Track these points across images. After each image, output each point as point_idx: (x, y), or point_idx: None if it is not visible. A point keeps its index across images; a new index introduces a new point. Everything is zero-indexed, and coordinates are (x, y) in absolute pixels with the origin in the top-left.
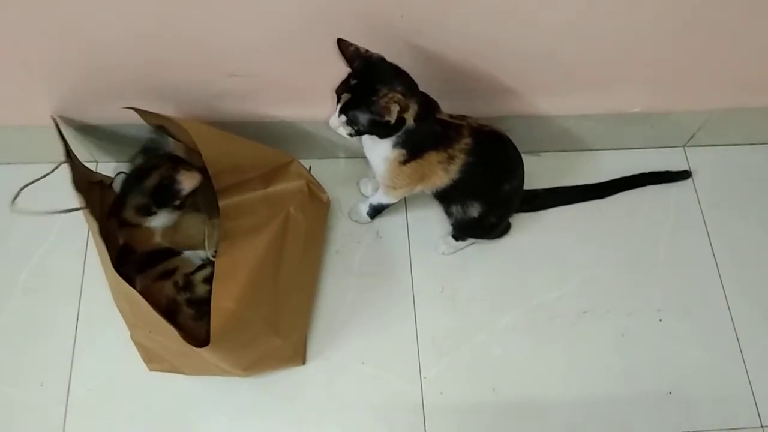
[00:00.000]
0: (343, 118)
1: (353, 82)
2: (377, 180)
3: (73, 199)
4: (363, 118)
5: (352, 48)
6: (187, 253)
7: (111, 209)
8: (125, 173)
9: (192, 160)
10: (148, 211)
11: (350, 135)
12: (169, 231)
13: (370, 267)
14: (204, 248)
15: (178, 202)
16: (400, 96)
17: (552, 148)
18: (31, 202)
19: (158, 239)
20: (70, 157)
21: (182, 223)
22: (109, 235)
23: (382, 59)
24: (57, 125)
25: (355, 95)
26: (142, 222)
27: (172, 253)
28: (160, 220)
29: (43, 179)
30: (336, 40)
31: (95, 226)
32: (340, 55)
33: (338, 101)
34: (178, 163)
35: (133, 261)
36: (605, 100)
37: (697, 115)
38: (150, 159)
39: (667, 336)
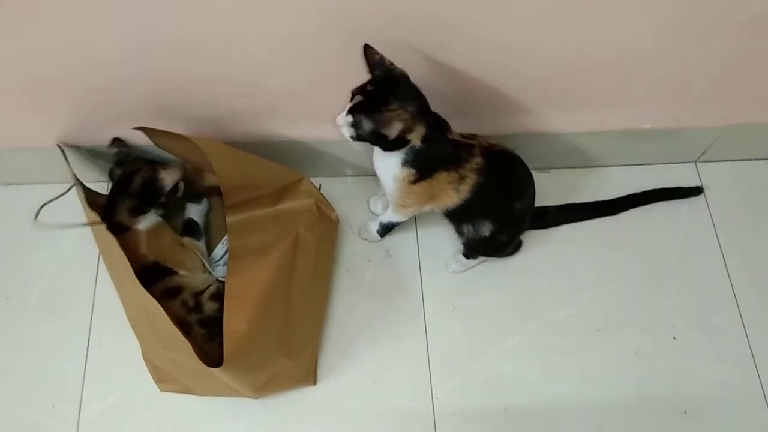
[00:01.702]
0: (350, 118)
1: (369, 87)
2: (387, 198)
3: (83, 219)
4: (366, 124)
5: (377, 56)
6: (184, 272)
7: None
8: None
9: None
10: (139, 211)
11: (351, 137)
12: (152, 240)
13: (380, 285)
14: (192, 270)
15: (163, 199)
16: (407, 116)
17: (562, 164)
18: (43, 221)
19: (144, 249)
20: (78, 178)
21: (163, 234)
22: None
23: (405, 76)
24: (63, 152)
25: (366, 100)
26: (133, 223)
27: (166, 270)
28: (145, 223)
29: (53, 199)
30: (363, 46)
31: (113, 239)
32: (364, 60)
33: (350, 101)
34: (154, 163)
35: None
36: (616, 116)
37: (708, 131)
38: (128, 166)
39: (682, 353)
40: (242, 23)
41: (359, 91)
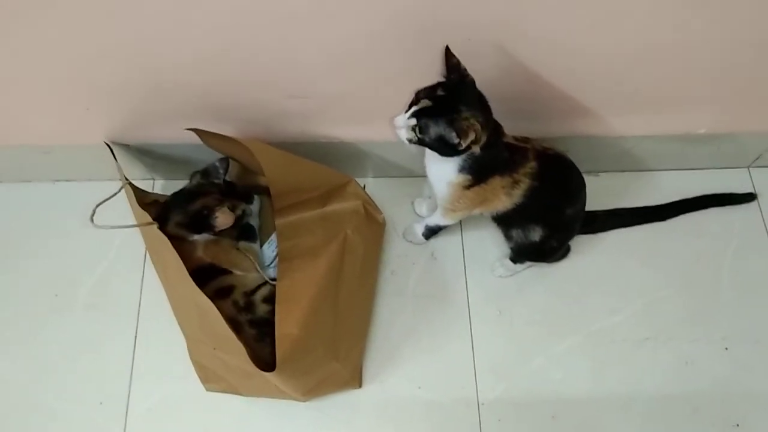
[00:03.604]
0: (413, 121)
1: (440, 92)
2: (434, 201)
3: (131, 217)
4: (434, 130)
5: (455, 60)
6: (238, 272)
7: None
8: (197, 172)
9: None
10: (187, 229)
11: (409, 140)
12: (210, 245)
13: (425, 288)
14: (246, 270)
15: (210, 234)
16: (479, 127)
17: (611, 168)
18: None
19: (200, 253)
20: (127, 178)
21: (221, 239)
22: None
23: (474, 84)
24: (111, 150)
25: (435, 105)
26: (185, 236)
27: (220, 270)
28: (203, 236)
29: (106, 200)
30: (444, 47)
31: (165, 239)
32: (443, 61)
33: (414, 103)
34: (226, 195)
35: None
36: (671, 120)
37: (764, 135)
38: (204, 184)
39: (734, 365)
40: (299, 26)
41: (427, 94)
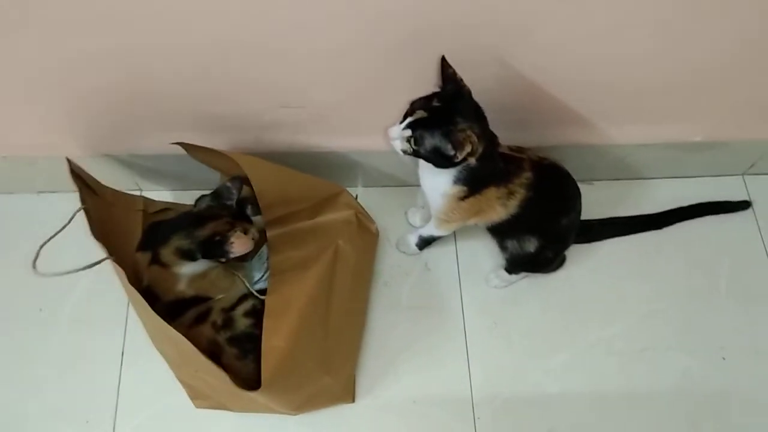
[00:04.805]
0: (408, 132)
1: (435, 103)
2: (427, 211)
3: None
4: (429, 141)
5: (451, 71)
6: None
7: (144, 242)
8: (205, 196)
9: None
10: (189, 257)
11: (404, 152)
12: (196, 279)
13: (419, 300)
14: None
15: (223, 260)
16: (475, 138)
17: (606, 176)
18: (74, 238)
19: (182, 287)
20: (96, 193)
21: (212, 273)
22: (135, 270)
23: (470, 95)
24: (71, 167)
25: (431, 116)
26: (173, 265)
27: (202, 299)
28: (191, 268)
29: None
30: (440, 57)
31: (123, 274)
32: (439, 71)
33: (409, 114)
34: (237, 219)
35: (158, 310)
36: (667, 129)
37: (758, 143)
38: (213, 206)
39: (733, 376)
40: (295, 35)
41: (422, 104)
